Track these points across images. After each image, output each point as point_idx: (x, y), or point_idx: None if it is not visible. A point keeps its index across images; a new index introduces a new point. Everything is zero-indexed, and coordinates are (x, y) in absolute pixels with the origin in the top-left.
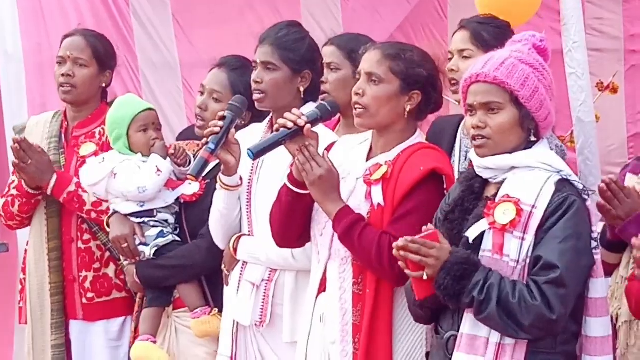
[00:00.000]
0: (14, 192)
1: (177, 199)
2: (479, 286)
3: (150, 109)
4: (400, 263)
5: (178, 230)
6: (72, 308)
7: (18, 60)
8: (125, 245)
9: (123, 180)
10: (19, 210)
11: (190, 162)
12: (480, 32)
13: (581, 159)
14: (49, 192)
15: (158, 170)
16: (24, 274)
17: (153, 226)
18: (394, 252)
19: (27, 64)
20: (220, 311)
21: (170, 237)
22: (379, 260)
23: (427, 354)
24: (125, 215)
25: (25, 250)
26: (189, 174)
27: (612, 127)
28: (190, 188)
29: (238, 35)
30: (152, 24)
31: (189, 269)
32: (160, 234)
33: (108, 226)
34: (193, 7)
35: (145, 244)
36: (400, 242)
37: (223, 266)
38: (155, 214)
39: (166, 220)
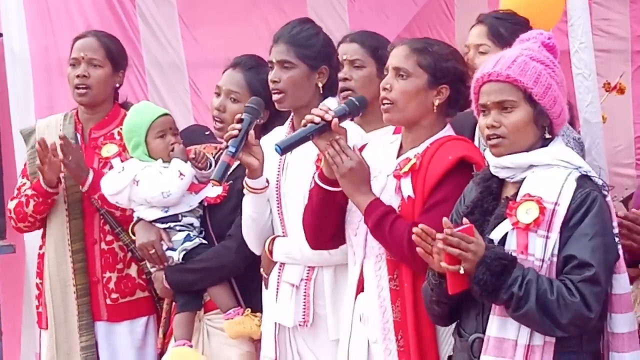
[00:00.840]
0: (28, 192)
1: (201, 202)
2: (518, 282)
3: (166, 114)
4: (418, 250)
5: (204, 233)
6: (96, 309)
7: (25, 62)
8: (153, 251)
9: (146, 186)
10: (34, 210)
11: (210, 166)
12: (497, 28)
13: (588, 159)
14: (84, 188)
15: (181, 174)
16: (40, 278)
17: (179, 230)
18: (414, 237)
19: (34, 66)
20: (254, 311)
21: (197, 240)
22: (410, 252)
23: (450, 358)
24: (150, 222)
25: (40, 255)
26: (212, 179)
27: (619, 128)
28: (214, 190)
29: (244, 35)
30: (157, 24)
31: (218, 271)
32: (187, 238)
33: (134, 234)
34: (199, 7)
35: (173, 249)
36: (440, 235)
37: (262, 270)
38: (180, 218)
39: (191, 224)
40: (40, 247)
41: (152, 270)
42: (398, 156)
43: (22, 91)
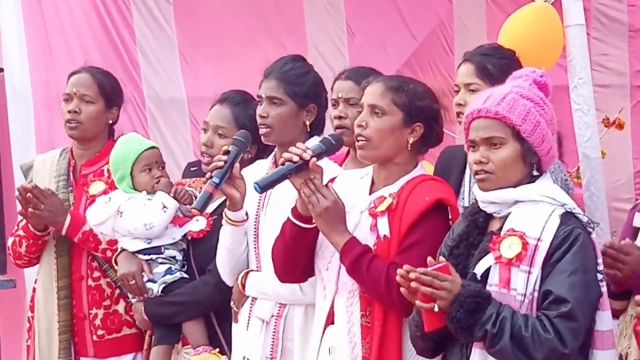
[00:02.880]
0: (21, 232)
1: (184, 235)
2: (492, 319)
3: (153, 147)
4: (402, 290)
5: (186, 267)
6: (82, 345)
7: (26, 97)
8: (133, 282)
9: (129, 217)
10: (27, 250)
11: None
12: (485, 65)
13: (587, 194)
14: (63, 232)
15: (164, 206)
16: (32, 312)
17: (161, 263)
18: (398, 278)
19: (35, 101)
20: (230, 348)
21: (178, 274)
22: (387, 291)
23: None
24: (133, 253)
25: (34, 289)
26: (193, 208)
27: (618, 163)
28: (197, 224)
29: (244, 71)
30: (158, 59)
31: (196, 305)
32: (168, 271)
33: (116, 264)
34: (199, 42)
35: (153, 281)
36: (413, 274)
37: (232, 303)
38: (162, 250)
39: (174, 257)
40: (35, 282)
41: (132, 301)
42: (370, 192)
43: (22, 125)
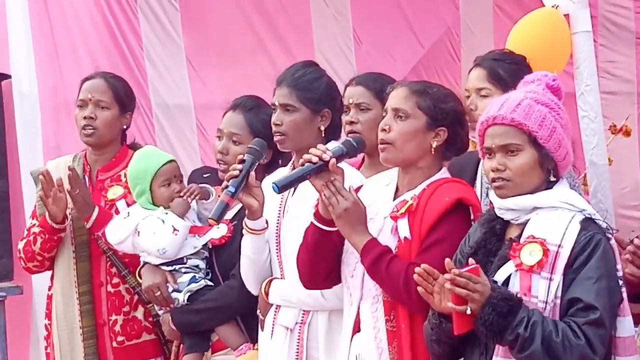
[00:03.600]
0: (36, 229)
1: (206, 244)
2: (523, 323)
3: (171, 161)
4: (419, 289)
5: (210, 274)
6: (102, 352)
7: (33, 103)
8: (159, 293)
9: (145, 239)
10: (41, 248)
11: (210, 195)
12: (496, 70)
13: (594, 201)
14: (89, 224)
15: (174, 229)
16: (49, 319)
17: (185, 272)
18: (415, 277)
19: (42, 107)
20: None
21: (202, 282)
22: (407, 291)
23: None
24: (156, 265)
25: (48, 296)
26: (209, 218)
27: (625, 170)
28: (218, 232)
29: (251, 77)
30: (165, 66)
31: (224, 311)
32: (193, 280)
33: (140, 277)
34: (206, 49)
35: (178, 291)
36: (448, 275)
37: (258, 311)
38: (185, 260)
39: (197, 266)
40: (49, 289)
41: (159, 312)
42: (394, 198)
43: (30, 131)
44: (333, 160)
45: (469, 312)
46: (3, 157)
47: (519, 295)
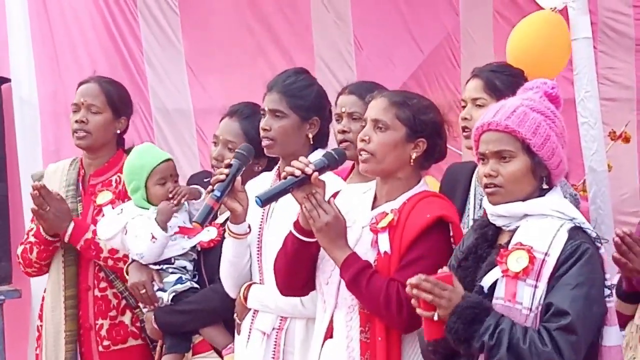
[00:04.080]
0: (32, 239)
1: (194, 246)
2: (489, 331)
3: (168, 160)
4: (412, 301)
5: (197, 277)
6: (88, 356)
7: (33, 107)
8: (144, 291)
9: (128, 241)
10: (37, 257)
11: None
12: (493, 81)
13: (593, 207)
14: (66, 239)
15: (153, 237)
16: (41, 320)
17: (171, 273)
18: (407, 289)
19: (42, 111)
20: None
21: (188, 284)
22: (387, 307)
23: None
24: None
25: (43, 298)
26: (194, 221)
27: (624, 176)
28: (208, 234)
29: (251, 82)
30: (165, 70)
31: (207, 314)
32: (179, 280)
33: (127, 274)
34: (206, 54)
35: (163, 290)
36: (414, 279)
37: (235, 315)
38: (173, 261)
39: (184, 267)
40: (45, 291)
41: (144, 310)
42: (373, 207)
43: (29, 135)
44: (315, 173)
45: (436, 318)
46: (2, 161)
47: (501, 302)
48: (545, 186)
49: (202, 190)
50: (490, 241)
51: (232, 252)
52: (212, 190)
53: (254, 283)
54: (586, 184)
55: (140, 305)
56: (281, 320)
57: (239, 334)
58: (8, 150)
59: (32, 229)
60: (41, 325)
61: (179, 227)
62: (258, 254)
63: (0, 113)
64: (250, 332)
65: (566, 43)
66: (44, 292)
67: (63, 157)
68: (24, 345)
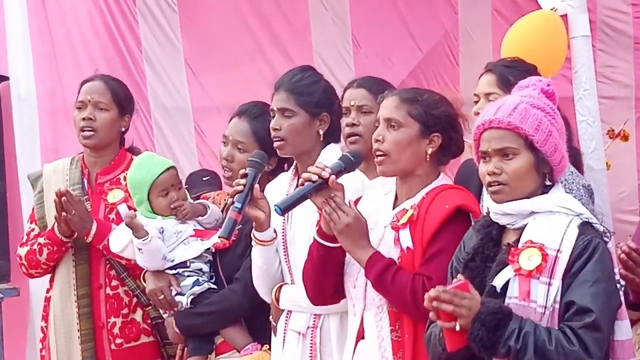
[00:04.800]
0: (41, 240)
1: (208, 248)
2: (514, 335)
3: (168, 169)
4: (431, 314)
5: (214, 278)
6: (101, 354)
7: (31, 105)
8: (162, 297)
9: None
10: (48, 258)
11: (206, 208)
12: (506, 76)
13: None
14: (89, 239)
15: (139, 249)
16: (45, 321)
17: (188, 276)
18: (426, 303)
19: (40, 110)
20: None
21: (206, 285)
22: (414, 303)
23: None
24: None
25: (46, 298)
26: (220, 236)
27: (623, 175)
28: None
29: (250, 80)
30: (164, 68)
31: (227, 314)
32: (196, 283)
33: (144, 280)
34: (205, 52)
35: (182, 294)
36: (432, 292)
37: (270, 317)
38: (188, 264)
39: (200, 269)
40: (47, 291)
41: (164, 316)
42: (394, 207)
43: (28, 134)
44: (333, 177)
45: (457, 328)
46: (1, 160)
47: (516, 302)
48: (547, 182)
49: (208, 203)
50: (495, 240)
51: (262, 259)
52: (232, 203)
53: (285, 284)
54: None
55: (161, 310)
56: (315, 318)
57: (275, 335)
58: (6, 149)
59: (32, 229)
60: (46, 326)
61: (194, 229)
62: (285, 254)
63: None
64: (285, 333)
65: (563, 42)
66: (47, 292)
67: (61, 156)
68: (22, 344)
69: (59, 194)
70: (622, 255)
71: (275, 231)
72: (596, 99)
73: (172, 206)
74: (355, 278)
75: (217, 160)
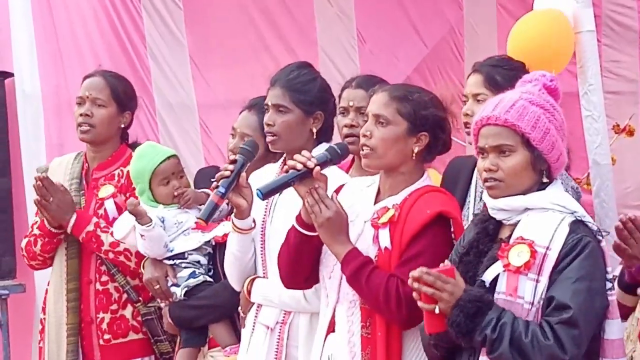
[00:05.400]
0: (36, 231)
1: (209, 240)
2: (491, 324)
3: (169, 157)
4: (414, 294)
5: (212, 271)
6: (89, 349)
7: (36, 101)
8: (158, 287)
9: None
10: (42, 249)
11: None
12: (493, 76)
13: (597, 201)
14: (68, 230)
15: (142, 236)
16: (44, 313)
17: (185, 267)
18: (409, 281)
19: (45, 105)
20: None
21: (201, 278)
22: (386, 303)
23: None
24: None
25: (46, 291)
26: (198, 217)
27: (628, 170)
28: (223, 229)
29: (255, 76)
30: (169, 65)
31: (218, 308)
32: (192, 275)
33: (144, 269)
34: (210, 48)
35: (177, 285)
36: (416, 272)
37: (239, 309)
38: (186, 256)
39: (198, 262)
40: (48, 284)
41: (162, 305)
42: (376, 202)
43: (32, 130)
44: (317, 167)
45: (437, 311)
46: (6, 155)
47: (503, 298)
48: (545, 180)
49: (211, 193)
50: (491, 235)
51: (237, 246)
52: (217, 187)
53: (258, 277)
54: (590, 177)
55: (158, 300)
56: (285, 314)
57: (243, 327)
58: (11, 145)
59: (36, 222)
60: (44, 319)
61: (195, 223)
62: (262, 248)
63: (4, 107)
64: (254, 326)
65: (570, 39)
66: (48, 285)
67: (66, 151)
68: (27, 340)
69: (37, 178)
70: (618, 224)
71: (254, 221)
72: (601, 93)
73: (175, 193)
74: (331, 269)
75: (222, 156)
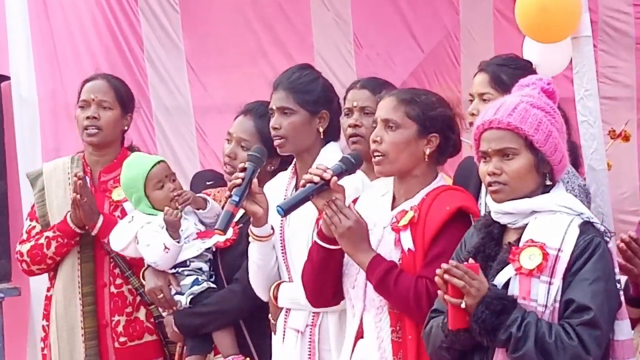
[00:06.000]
0: (49, 233)
1: (209, 247)
2: (517, 323)
3: (158, 162)
4: (439, 290)
5: (214, 277)
6: (105, 353)
7: (33, 105)
8: (161, 296)
9: (141, 249)
10: (56, 252)
11: (207, 203)
12: (499, 75)
13: (593, 206)
14: (94, 232)
15: (165, 247)
16: (47, 320)
17: (188, 275)
18: (438, 272)
19: (41, 110)
20: (260, 357)
21: (205, 285)
22: (417, 305)
23: None
24: None
25: (47, 297)
26: (216, 229)
27: (624, 175)
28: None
29: (251, 81)
30: (165, 69)
31: (225, 314)
32: (195, 282)
33: (144, 279)
34: (206, 52)
35: (181, 293)
36: (446, 265)
37: (270, 315)
38: (188, 263)
39: (200, 269)
40: (48, 290)
41: (163, 314)
42: (392, 208)
43: (29, 134)
44: (334, 178)
45: (463, 305)
46: (2, 159)
47: (518, 301)
48: (548, 182)
49: (209, 199)
50: (496, 239)
51: (258, 255)
52: (230, 196)
53: (283, 282)
54: (586, 182)
55: (160, 309)
56: (314, 316)
57: (274, 333)
58: (7, 148)
59: (33, 227)
60: (47, 325)
61: (196, 233)
62: (283, 252)
63: (0, 111)
64: (284, 331)
65: (577, 7)
66: (48, 291)
67: (63, 155)
68: (22, 343)
69: (78, 176)
70: (622, 245)
71: (272, 227)
72: (597, 99)
73: (172, 195)
74: (354, 279)
75: (218, 161)
